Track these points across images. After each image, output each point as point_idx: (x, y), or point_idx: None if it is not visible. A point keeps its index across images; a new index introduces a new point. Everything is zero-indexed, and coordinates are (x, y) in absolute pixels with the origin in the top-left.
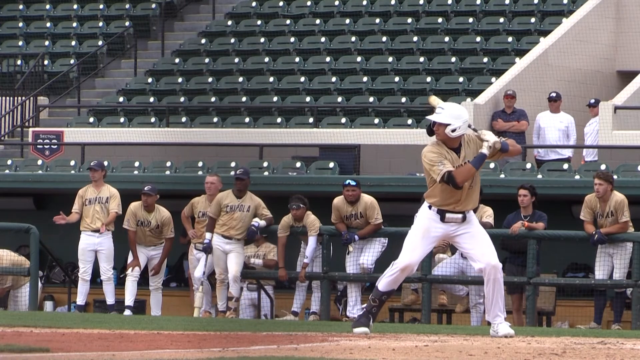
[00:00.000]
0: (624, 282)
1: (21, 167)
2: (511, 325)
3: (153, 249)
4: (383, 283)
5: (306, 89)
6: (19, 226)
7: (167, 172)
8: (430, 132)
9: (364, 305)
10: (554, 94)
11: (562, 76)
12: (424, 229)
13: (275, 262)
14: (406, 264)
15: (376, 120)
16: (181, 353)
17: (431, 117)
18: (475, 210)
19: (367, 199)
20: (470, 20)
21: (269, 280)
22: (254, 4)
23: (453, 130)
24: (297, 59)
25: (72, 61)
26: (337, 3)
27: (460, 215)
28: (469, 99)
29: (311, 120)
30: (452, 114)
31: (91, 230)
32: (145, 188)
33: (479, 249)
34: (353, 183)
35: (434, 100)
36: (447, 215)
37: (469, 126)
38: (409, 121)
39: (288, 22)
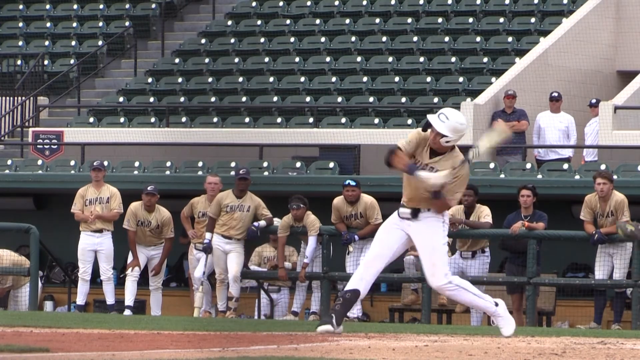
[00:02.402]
0: (624, 282)
1: (21, 167)
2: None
3: (153, 249)
4: (350, 281)
5: (306, 89)
6: (19, 226)
7: (167, 172)
8: (425, 129)
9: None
10: (555, 94)
11: (562, 76)
12: (387, 222)
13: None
14: (367, 258)
15: (376, 120)
16: (181, 353)
17: (433, 122)
18: (472, 210)
19: (367, 199)
20: (470, 20)
21: (286, 282)
22: (254, 4)
23: (447, 142)
24: (297, 59)
25: (72, 61)
26: (337, 3)
27: (408, 211)
28: (469, 99)
29: (311, 120)
30: (452, 127)
31: (91, 231)
32: (149, 188)
33: (424, 264)
34: (353, 183)
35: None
36: (400, 209)
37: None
38: (409, 121)
39: (288, 22)
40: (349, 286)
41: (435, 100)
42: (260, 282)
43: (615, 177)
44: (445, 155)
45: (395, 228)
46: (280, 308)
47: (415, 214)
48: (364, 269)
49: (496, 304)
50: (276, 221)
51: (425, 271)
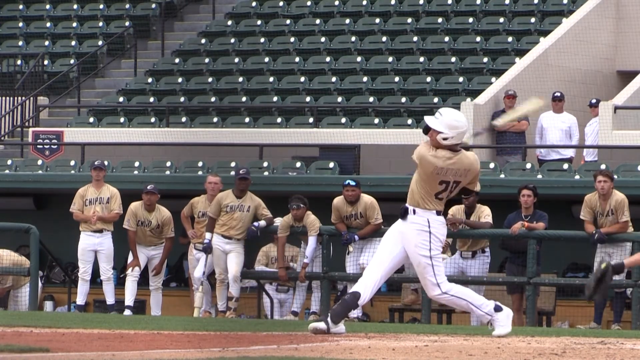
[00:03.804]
0: (624, 282)
1: (21, 167)
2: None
3: (153, 249)
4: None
5: (306, 89)
6: (19, 226)
7: (167, 172)
8: (426, 132)
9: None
10: (558, 94)
11: (562, 76)
12: (391, 227)
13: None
14: (370, 263)
15: (376, 120)
16: (181, 353)
17: (428, 121)
18: (472, 210)
19: (367, 199)
20: (470, 20)
21: (291, 283)
22: (254, 4)
23: (444, 139)
24: (297, 59)
25: (72, 61)
26: (337, 3)
27: (401, 210)
28: (469, 99)
29: (311, 120)
30: (447, 123)
31: (91, 231)
32: (149, 187)
33: (417, 274)
34: (353, 183)
35: None
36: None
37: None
38: (409, 121)
39: (288, 22)
40: (352, 289)
41: (435, 100)
42: (261, 282)
43: (615, 177)
44: (458, 154)
45: (396, 234)
46: (287, 308)
47: (403, 214)
48: (365, 273)
49: (499, 309)
50: (278, 221)
51: (424, 286)
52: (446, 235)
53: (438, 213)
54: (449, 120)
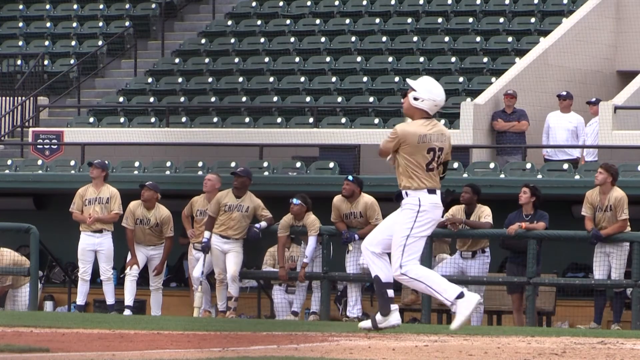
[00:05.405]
0: (624, 282)
1: (21, 167)
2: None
3: (153, 249)
4: None
5: (306, 89)
6: (19, 226)
7: (167, 172)
8: (404, 95)
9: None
10: (564, 93)
11: (562, 76)
12: None
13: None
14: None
15: (376, 120)
16: (181, 353)
17: (408, 80)
18: (472, 210)
19: (367, 199)
20: (470, 20)
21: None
22: (254, 4)
23: (415, 99)
24: (297, 59)
25: (72, 61)
26: (337, 3)
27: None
28: (469, 99)
29: (311, 120)
30: (424, 85)
31: (91, 231)
32: (147, 183)
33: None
34: (350, 178)
35: None
36: None
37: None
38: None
39: (288, 22)
40: (372, 274)
41: None
42: (271, 283)
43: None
44: (432, 120)
45: (395, 216)
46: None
47: (397, 197)
48: (366, 255)
49: (461, 296)
50: None
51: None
52: (440, 217)
53: (430, 191)
54: (426, 84)
